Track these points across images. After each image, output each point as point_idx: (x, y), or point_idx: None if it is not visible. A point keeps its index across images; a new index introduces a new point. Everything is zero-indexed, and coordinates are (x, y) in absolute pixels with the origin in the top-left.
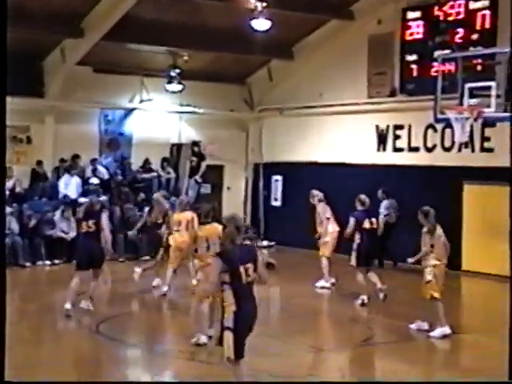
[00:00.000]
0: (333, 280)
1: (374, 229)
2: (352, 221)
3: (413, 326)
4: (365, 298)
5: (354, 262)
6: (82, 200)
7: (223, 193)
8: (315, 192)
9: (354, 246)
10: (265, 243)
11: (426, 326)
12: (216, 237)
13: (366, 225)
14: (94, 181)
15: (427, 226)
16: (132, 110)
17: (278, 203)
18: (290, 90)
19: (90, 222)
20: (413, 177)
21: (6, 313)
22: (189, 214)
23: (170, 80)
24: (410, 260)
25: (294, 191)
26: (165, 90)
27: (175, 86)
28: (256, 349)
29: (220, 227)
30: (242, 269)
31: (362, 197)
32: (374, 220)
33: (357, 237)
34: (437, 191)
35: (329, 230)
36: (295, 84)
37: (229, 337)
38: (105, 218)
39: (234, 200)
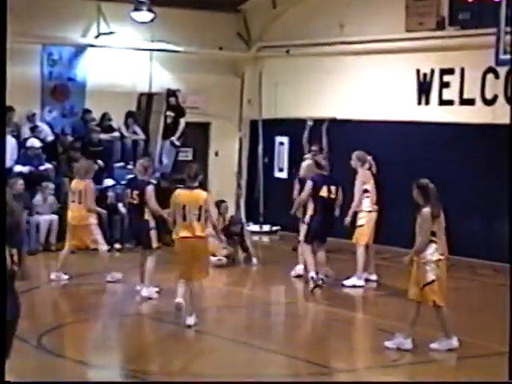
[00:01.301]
0: (373, 276)
1: (332, 199)
2: (310, 185)
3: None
4: (314, 275)
5: (302, 236)
6: (19, 169)
7: (209, 160)
8: (361, 154)
9: (307, 217)
10: (265, 228)
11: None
12: (196, 205)
13: (324, 193)
14: (35, 143)
15: (430, 207)
16: (86, 46)
17: (282, 174)
18: (299, 21)
19: (135, 193)
20: (465, 138)
21: None
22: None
23: (138, 6)
24: (406, 259)
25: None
26: (130, 20)
27: (144, 15)
28: (252, 365)
29: (204, 194)
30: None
31: (320, 158)
32: (333, 188)
33: (310, 206)
34: (497, 157)
35: (364, 207)
36: (307, 13)
37: None
38: (150, 190)
39: (224, 169)
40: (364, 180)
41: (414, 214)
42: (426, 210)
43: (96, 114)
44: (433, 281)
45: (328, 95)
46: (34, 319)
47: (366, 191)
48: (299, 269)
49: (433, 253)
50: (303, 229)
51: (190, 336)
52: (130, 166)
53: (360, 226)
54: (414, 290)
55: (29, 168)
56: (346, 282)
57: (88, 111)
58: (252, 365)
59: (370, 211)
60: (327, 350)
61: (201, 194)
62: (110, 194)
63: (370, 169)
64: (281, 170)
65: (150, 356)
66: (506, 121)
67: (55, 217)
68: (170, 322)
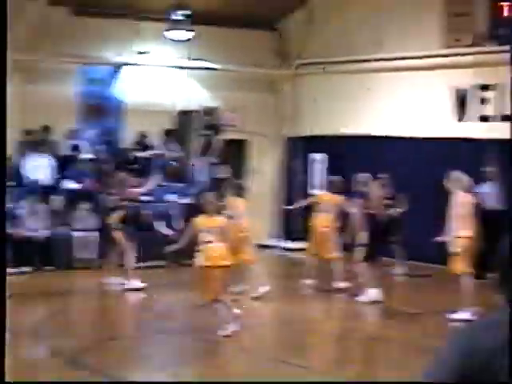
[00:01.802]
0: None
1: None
2: (361, 202)
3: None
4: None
5: (360, 256)
6: (66, 185)
7: (246, 177)
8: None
9: (362, 236)
10: (301, 245)
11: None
12: (217, 229)
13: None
14: (86, 154)
15: None
16: (123, 65)
17: (319, 191)
18: (337, 38)
19: None
20: (504, 155)
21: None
22: None
23: (175, 25)
24: None
25: (340, 174)
26: (167, 39)
27: (182, 34)
28: None
29: (223, 220)
30: None
31: (360, 176)
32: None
33: (363, 224)
34: None
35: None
36: (345, 30)
37: None
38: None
39: (261, 186)
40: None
41: None
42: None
43: (133, 132)
44: None
45: (365, 112)
46: (74, 335)
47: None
48: (372, 293)
49: None
50: (360, 248)
51: (229, 352)
52: (167, 184)
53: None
54: None
55: (73, 184)
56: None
57: (113, 129)
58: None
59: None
60: (372, 371)
61: (220, 219)
62: (146, 211)
63: None
64: (316, 186)
65: (187, 373)
66: None
67: (95, 233)
68: (209, 337)
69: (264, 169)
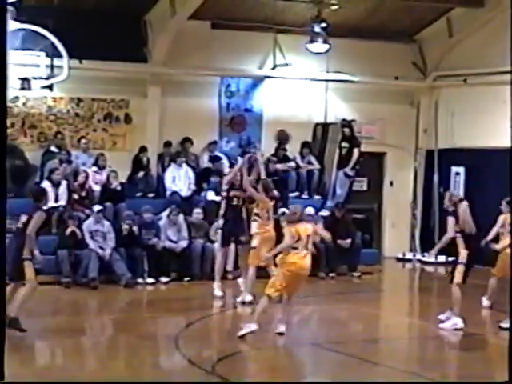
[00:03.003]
0: None
1: None
2: (453, 221)
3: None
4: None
5: (459, 279)
6: (210, 197)
7: (384, 190)
8: None
9: (462, 257)
10: (441, 259)
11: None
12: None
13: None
14: (226, 166)
15: None
16: (262, 78)
17: None
18: (477, 50)
19: None
20: None
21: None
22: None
23: (313, 38)
24: None
25: (481, 188)
26: (306, 51)
27: (320, 46)
28: None
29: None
30: None
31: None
32: None
33: (461, 244)
34: None
35: None
36: (485, 41)
37: None
38: None
39: (399, 199)
40: None
41: None
42: None
43: (272, 145)
44: None
45: (505, 124)
46: (211, 345)
47: None
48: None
49: None
50: (459, 271)
51: (362, 366)
52: (304, 196)
53: None
54: None
55: (215, 196)
56: None
57: (251, 142)
58: None
59: None
60: None
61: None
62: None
63: None
64: None
65: None
66: None
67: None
68: (340, 351)
69: (402, 181)
